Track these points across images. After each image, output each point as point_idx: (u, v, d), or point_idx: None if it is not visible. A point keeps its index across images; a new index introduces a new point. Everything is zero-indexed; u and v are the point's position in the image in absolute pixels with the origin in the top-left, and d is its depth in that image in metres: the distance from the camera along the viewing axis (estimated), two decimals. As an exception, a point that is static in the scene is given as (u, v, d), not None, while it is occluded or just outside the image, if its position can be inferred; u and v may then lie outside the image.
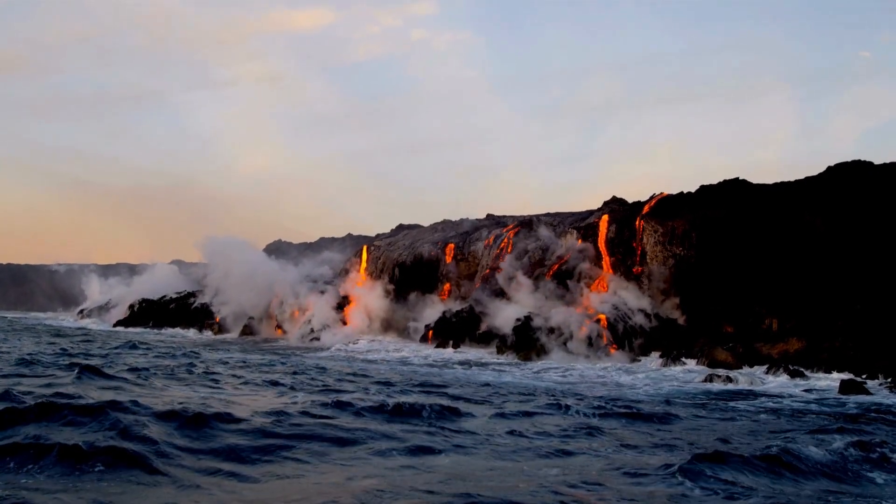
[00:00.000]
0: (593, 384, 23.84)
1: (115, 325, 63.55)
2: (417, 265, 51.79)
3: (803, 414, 17.06)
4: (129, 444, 9.34)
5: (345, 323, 48.97)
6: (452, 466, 9.77)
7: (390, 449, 10.64)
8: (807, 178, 36.04)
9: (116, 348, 30.36)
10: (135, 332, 53.01)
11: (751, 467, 9.82)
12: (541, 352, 35.44)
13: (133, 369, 19.66)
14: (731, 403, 18.77)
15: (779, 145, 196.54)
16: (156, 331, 57.55)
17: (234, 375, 20.25)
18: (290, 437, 10.92)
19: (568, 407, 15.61)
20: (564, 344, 35.65)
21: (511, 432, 12.47)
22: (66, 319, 74.10)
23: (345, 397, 15.08)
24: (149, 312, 65.39)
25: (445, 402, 15.58)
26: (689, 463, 9.61)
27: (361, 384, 19.65)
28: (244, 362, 25.88)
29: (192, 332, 56.49)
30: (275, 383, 18.56)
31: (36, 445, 8.92)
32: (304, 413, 12.95)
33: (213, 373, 20.52)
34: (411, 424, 12.72)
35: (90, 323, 67.87)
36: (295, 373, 22.38)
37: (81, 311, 78.05)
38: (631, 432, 13.33)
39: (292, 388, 17.51)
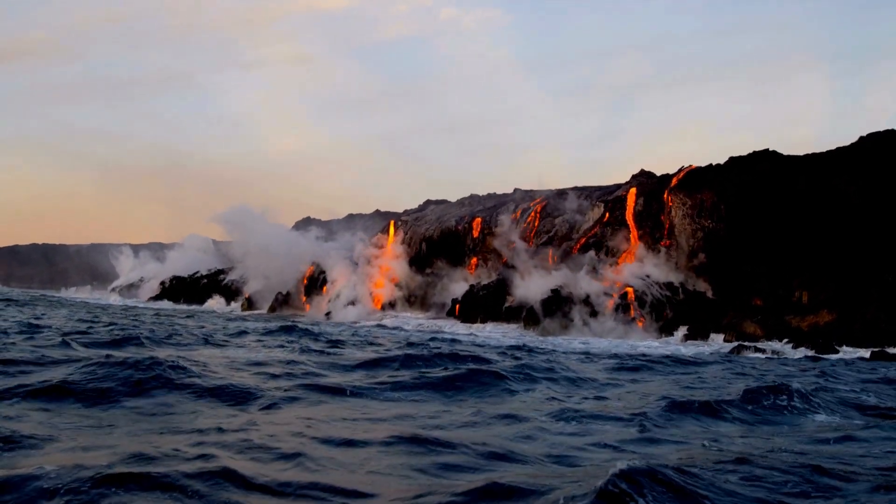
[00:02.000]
0: (614, 352, 23.59)
1: (147, 301, 64.54)
2: (444, 239, 51.63)
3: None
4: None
5: (371, 297, 49.06)
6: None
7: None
8: (838, 149, 35.22)
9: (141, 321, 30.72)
10: (163, 308, 53.59)
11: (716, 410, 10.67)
12: (568, 325, 35.26)
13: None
14: (742, 367, 18.47)
15: (810, 123, 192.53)
16: (187, 307, 58.25)
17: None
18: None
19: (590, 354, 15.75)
20: (592, 317, 35.42)
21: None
22: (110, 297, 74.53)
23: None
24: (180, 289, 66.27)
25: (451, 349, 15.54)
26: (661, 408, 10.32)
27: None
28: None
29: (220, 308, 57.11)
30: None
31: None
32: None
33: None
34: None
35: (122, 300, 68.84)
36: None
37: (114, 288, 79.29)
38: (629, 380, 14.94)
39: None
